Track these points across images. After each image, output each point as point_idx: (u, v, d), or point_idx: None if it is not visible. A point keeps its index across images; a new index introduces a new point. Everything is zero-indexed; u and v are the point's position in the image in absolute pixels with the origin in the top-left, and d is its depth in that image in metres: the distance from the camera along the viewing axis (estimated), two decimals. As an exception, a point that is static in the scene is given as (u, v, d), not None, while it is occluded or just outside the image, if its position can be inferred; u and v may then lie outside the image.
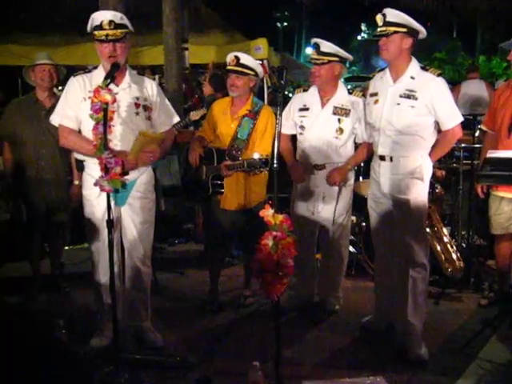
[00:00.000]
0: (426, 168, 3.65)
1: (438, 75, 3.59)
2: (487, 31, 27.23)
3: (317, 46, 4.05)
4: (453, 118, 3.60)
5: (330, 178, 4.10)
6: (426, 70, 3.61)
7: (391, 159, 3.70)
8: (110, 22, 3.36)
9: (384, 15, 3.54)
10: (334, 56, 4.04)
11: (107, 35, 3.37)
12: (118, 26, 3.37)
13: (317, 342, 3.85)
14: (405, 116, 3.60)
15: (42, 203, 4.51)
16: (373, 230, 3.95)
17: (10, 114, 4.55)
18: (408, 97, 3.58)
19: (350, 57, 4.17)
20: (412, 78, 3.60)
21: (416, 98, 3.56)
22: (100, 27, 3.38)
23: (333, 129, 4.08)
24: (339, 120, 4.08)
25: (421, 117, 3.58)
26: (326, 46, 4.04)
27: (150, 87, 3.58)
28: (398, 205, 3.69)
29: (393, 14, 3.53)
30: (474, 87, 7.96)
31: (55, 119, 3.61)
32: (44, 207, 4.52)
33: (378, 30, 3.58)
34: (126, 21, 3.43)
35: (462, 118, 3.61)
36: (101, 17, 3.40)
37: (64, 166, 4.59)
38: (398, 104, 3.62)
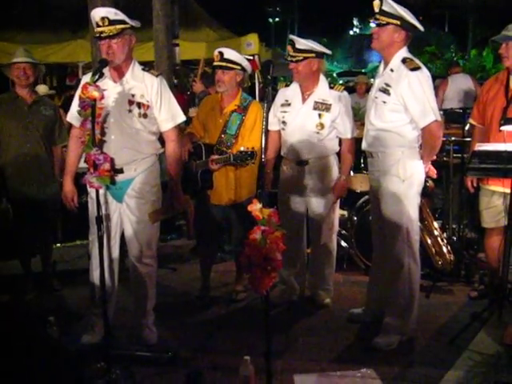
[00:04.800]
0: (408, 166, 3.58)
1: (413, 69, 3.45)
2: (478, 25, 27.30)
3: (292, 43, 4.07)
4: (424, 116, 3.46)
5: (336, 196, 4.23)
6: (405, 63, 3.50)
7: (371, 155, 3.73)
8: (103, 18, 3.32)
9: (381, 2, 3.49)
10: (309, 52, 4.04)
11: (101, 32, 3.35)
12: (112, 22, 3.33)
13: (308, 336, 3.86)
14: (380, 111, 3.60)
15: (30, 200, 4.50)
16: (371, 224, 3.98)
17: None
18: (384, 91, 3.56)
19: (326, 51, 4.17)
20: (391, 70, 3.55)
21: (389, 94, 3.52)
22: (97, 24, 3.36)
23: (313, 124, 4.10)
24: (320, 115, 4.10)
25: (394, 113, 3.54)
26: (301, 43, 4.04)
27: (151, 84, 3.50)
28: (379, 202, 3.71)
29: (388, 4, 3.48)
30: (461, 81, 8.03)
31: (68, 116, 3.68)
32: (31, 204, 4.50)
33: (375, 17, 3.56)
34: (122, 16, 3.38)
35: (435, 117, 3.46)
36: (95, 14, 3.38)
37: (50, 162, 4.59)
38: (376, 98, 3.63)
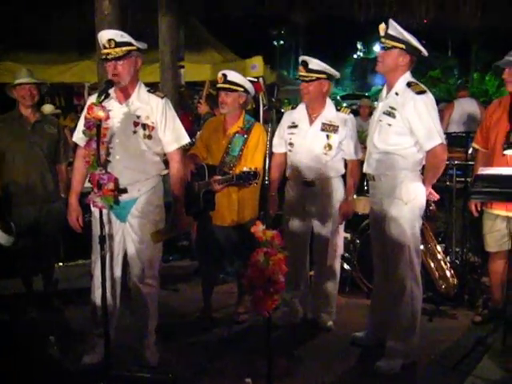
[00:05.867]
0: (411, 189, 3.59)
1: (419, 93, 3.50)
2: (482, 49, 27.49)
3: (305, 64, 4.11)
4: (430, 139, 3.49)
5: (342, 218, 4.23)
6: (410, 86, 3.54)
7: (373, 178, 3.74)
8: (110, 40, 3.38)
9: (387, 26, 3.55)
10: (321, 73, 4.09)
11: (108, 54, 3.40)
12: (119, 44, 3.38)
13: (310, 359, 3.84)
14: (384, 134, 3.61)
15: (33, 219, 4.51)
16: (372, 247, 3.97)
17: None
18: (388, 114, 3.58)
19: (337, 74, 4.22)
20: (396, 94, 3.59)
21: (394, 116, 3.55)
22: (104, 46, 3.41)
23: (321, 145, 4.12)
24: (328, 136, 4.12)
25: (399, 136, 3.56)
26: (314, 64, 4.09)
27: (156, 106, 3.53)
28: (381, 225, 3.70)
29: (394, 28, 3.52)
30: (467, 105, 8.07)
31: (74, 136, 3.71)
32: (34, 223, 4.51)
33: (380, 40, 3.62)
34: (128, 38, 3.43)
35: (440, 140, 3.49)
36: (102, 36, 3.43)
37: (54, 180, 4.62)
38: (380, 121, 3.65)
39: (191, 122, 7.16)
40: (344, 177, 4.29)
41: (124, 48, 3.40)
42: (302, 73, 4.13)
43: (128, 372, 3.48)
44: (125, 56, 3.41)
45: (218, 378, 3.54)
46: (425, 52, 3.57)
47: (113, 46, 3.38)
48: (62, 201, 4.58)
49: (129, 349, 3.73)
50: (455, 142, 5.70)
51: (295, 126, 4.23)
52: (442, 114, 8.52)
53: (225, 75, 4.20)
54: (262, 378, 2.98)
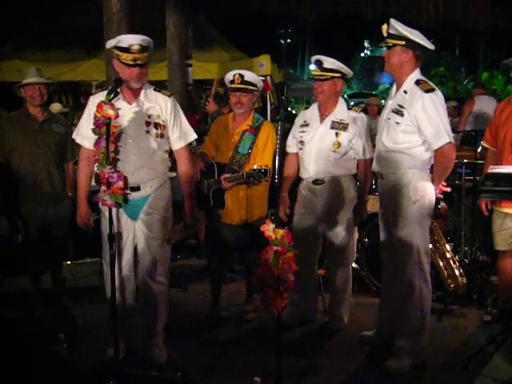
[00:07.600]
0: (419, 188, 3.57)
1: (427, 91, 3.48)
2: (489, 48, 27.37)
3: (319, 63, 4.10)
4: (438, 138, 3.47)
5: (358, 221, 4.23)
6: (419, 84, 3.53)
7: (382, 176, 3.72)
8: (139, 45, 3.33)
9: (388, 26, 3.56)
10: (336, 72, 4.09)
11: (135, 59, 3.35)
12: (144, 49, 3.36)
13: (318, 358, 3.83)
14: (392, 132, 3.60)
15: (40, 217, 4.52)
16: (380, 246, 3.95)
17: (3, 130, 4.57)
18: (397, 112, 3.57)
19: (350, 72, 4.21)
20: (405, 92, 3.58)
21: (402, 115, 3.53)
22: (127, 50, 3.34)
23: (330, 142, 4.11)
24: (337, 134, 4.10)
25: (407, 134, 3.54)
26: (329, 63, 4.08)
27: (165, 104, 3.54)
28: (389, 224, 3.69)
29: (393, 26, 3.54)
30: (487, 103, 7.98)
31: (76, 137, 3.69)
32: (42, 221, 4.53)
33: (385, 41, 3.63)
34: (151, 44, 3.42)
35: (449, 139, 3.47)
36: (131, 40, 3.35)
37: (61, 179, 4.63)
38: (389, 119, 3.64)
39: (197, 121, 7.17)
40: (356, 176, 4.27)
41: (147, 53, 3.39)
42: (317, 72, 4.11)
43: (137, 370, 3.49)
44: (147, 61, 3.42)
45: (227, 377, 3.54)
46: (430, 46, 3.56)
47: (141, 51, 3.34)
48: (70, 199, 4.60)
49: (137, 347, 3.73)
50: (469, 140, 5.67)
51: (306, 125, 4.22)
52: (459, 110, 8.43)
53: (242, 76, 4.18)
54: (270, 376, 2.97)
